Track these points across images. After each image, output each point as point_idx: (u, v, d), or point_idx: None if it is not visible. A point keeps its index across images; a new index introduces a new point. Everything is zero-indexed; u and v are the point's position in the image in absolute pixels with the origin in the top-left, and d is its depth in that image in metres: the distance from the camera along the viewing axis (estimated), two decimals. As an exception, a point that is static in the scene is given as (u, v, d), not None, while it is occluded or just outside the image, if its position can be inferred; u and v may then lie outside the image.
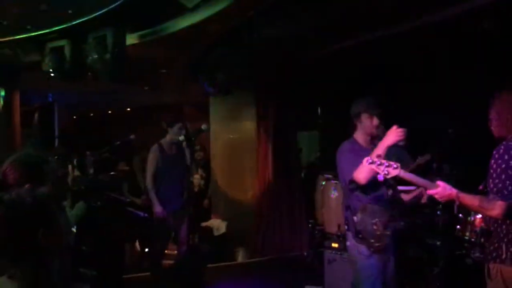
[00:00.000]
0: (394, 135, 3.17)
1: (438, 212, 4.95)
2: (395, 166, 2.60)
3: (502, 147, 2.46)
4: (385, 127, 5.18)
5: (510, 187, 2.38)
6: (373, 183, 3.20)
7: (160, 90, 8.35)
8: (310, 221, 6.51)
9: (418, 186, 3.44)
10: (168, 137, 5.12)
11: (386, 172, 2.60)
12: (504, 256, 2.41)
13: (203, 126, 4.16)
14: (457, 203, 2.47)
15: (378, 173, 2.66)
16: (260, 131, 6.96)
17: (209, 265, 5.93)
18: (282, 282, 5.29)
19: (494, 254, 2.47)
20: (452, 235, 4.77)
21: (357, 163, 3.10)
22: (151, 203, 7.20)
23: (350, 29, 5.20)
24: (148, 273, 5.30)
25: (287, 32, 5.09)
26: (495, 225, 2.50)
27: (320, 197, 5.97)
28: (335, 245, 4.94)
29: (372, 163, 2.65)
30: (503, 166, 2.41)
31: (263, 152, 7.01)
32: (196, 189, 7.11)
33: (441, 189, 2.51)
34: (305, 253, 6.79)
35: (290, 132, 7.33)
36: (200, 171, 7.35)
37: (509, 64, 4.90)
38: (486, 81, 5.19)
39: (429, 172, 5.19)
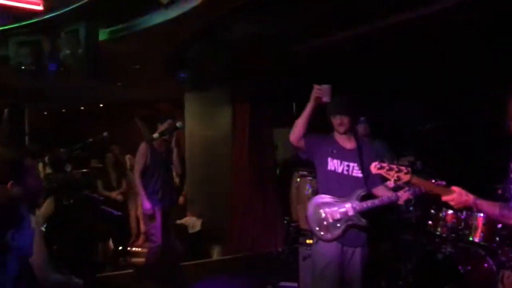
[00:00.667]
0: (313, 94, 3.32)
1: (411, 208, 5.04)
2: (405, 171, 2.40)
3: None
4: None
5: None
6: (333, 177, 3.40)
7: (134, 86, 8.25)
8: (285, 217, 6.55)
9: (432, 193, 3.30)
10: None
11: (397, 178, 2.40)
12: None
13: (178, 124, 4.13)
14: (474, 210, 2.37)
15: (388, 180, 2.48)
16: (235, 128, 6.95)
17: (184, 263, 5.93)
18: (257, 279, 5.29)
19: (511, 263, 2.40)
20: (424, 231, 4.87)
21: (319, 143, 3.43)
22: (127, 198, 7.20)
23: (326, 26, 5.23)
24: (121, 271, 5.25)
25: (263, 29, 5.09)
26: None
27: (295, 194, 6.00)
28: (309, 241, 4.94)
29: (381, 168, 2.44)
30: None
31: (239, 149, 7.01)
32: None
33: (457, 195, 2.35)
34: (280, 250, 6.83)
35: (265, 129, 7.34)
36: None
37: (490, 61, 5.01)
38: (466, 78, 5.31)
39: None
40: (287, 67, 6.53)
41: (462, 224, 4.35)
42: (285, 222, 6.66)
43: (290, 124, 7.83)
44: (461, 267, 4.03)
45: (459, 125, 5.34)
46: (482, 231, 4.26)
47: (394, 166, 2.43)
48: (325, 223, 3.36)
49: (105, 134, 5.19)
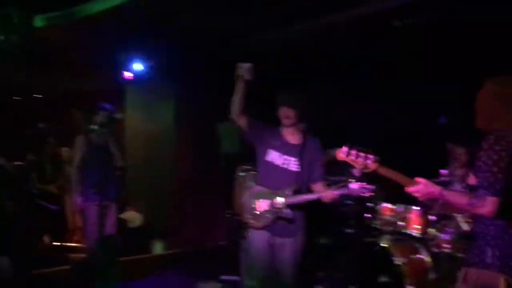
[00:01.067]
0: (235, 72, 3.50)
1: (350, 202, 5.18)
2: (373, 159, 2.36)
3: (493, 137, 2.25)
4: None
5: (503, 181, 2.17)
6: (270, 168, 3.48)
7: (73, 76, 7.92)
8: (229, 212, 6.54)
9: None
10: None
11: (363, 166, 2.37)
12: (489, 260, 2.21)
13: (118, 115, 3.98)
14: (440, 202, 2.32)
15: (354, 167, 2.47)
16: (178, 121, 6.86)
17: (123, 258, 5.79)
18: (199, 274, 5.26)
19: (477, 259, 2.27)
20: (362, 224, 5.03)
21: (263, 132, 3.53)
22: (64, 192, 6.92)
23: (273, 20, 5.24)
24: (57, 268, 5.05)
25: (208, 22, 5.04)
26: (482, 226, 2.29)
27: (239, 188, 6.01)
28: (252, 235, 4.99)
29: (348, 154, 2.40)
30: (495, 158, 2.20)
31: (182, 143, 6.93)
32: None
33: (423, 187, 2.33)
34: (223, 244, 6.83)
35: (209, 122, 7.29)
36: None
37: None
38: (408, 77, 5.50)
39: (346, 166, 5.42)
40: (232, 61, 6.50)
41: (398, 217, 4.53)
42: (228, 216, 6.66)
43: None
44: (396, 258, 4.20)
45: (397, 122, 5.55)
46: (416, 224, 4.46)
47: (363, 154, 2.39)
48: (256, 212, 3.47)
49: (40, 125, 4.94)
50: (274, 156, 3.52)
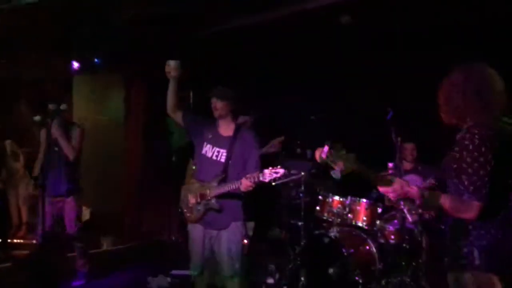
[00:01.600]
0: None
1: (301, 195, 5.24)
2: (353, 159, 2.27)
3: (477, 137, 2.09)
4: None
5: (487, 185, 2.05)
6: (204, 161, 3.59)
7: (18, 64, 7.58)
8: (180, 205, 6.47)
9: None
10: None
11: (344, 168, 2.25)
12: (478, 262, 2.10)
13: (62, 106, 3.82)
14: (417, 202, 2.14)
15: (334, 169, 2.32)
16: (128, 114, 6.73)
17: (72, 254, 5.62)
18: (149, 269, 5.18)
19: (464, 262, 2.15)
20: (312, 216, 5.10)
21: (199, 126, 3.64)
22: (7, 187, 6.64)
23: (221, 12, 5.22)
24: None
25: (157, 11, 4.95)
26: (459, 227, 2.19)
27: (190, 182, 5.95)
28: (203, 228, 4.96)
29: (329, 156, 2.27)
30: (481, 160, 2.06)
31: (132, 136, 6.80)
32: None
33: (398, 186, 2.21)
34: (174, 238, 6.76)
35: (160, 115, 7.17)
36: None
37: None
38: (353, 70, 5.61)
39: (292, 158, 5.48)
40: (184, 53, 6.42)
41: (347, 209, 4.62)
42: (179, 210, 6.58)
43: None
44: (344, 250, 4.28)
45: (347, 115, 5.66)
46: (364, 215, 4.57)
47: (343, 155, 2.25)
48: (190, 205, 3.59)
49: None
50: (207, 149, 3.60)
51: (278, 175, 3.19)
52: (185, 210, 3.67)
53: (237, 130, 3.62)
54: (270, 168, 3.20)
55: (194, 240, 3.63)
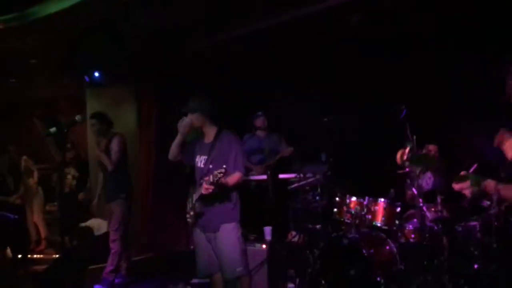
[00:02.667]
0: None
1: (317, 198, 5.22)
2: None
3: None
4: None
5: None
6: (197, 172, 3.79)
7: (30, 83, 7.70)
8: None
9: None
10: None
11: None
12: None
13: (77, 117, 3.85)
14: (495, 197, 2.12)
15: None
16: (142, 125, 6.76)
17: (92, 267, 5.64)
18: (169, 279, 5.19)
19: None
20: (330, 219, 5.07)
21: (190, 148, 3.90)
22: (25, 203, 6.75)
23: (230, 21, 5.26)
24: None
25: (167, 22, 5.00)
26: None
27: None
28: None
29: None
30: None
31: (146, 148, 6.82)
32: (67, 190, 6.79)
33: (488, 185, 2.19)
34: (192, 247, 6.74)
35: (172, 126, 7.21)
36: (72, 171, 7.02)
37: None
38: (360, 73, 5.60)
39: (306, 161, 5.48)
40: (194, 63, 6.48)
41: (365, 209, 4.58)
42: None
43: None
44: (364, 251, 4.24)
45: (358, 116, 5.64)
46: (383, 216, 4.52)
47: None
48: (189, 212, 3.79)
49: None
50: (197, 160, 3.83)
51: (221, 174, 3.35)
52: (187, 216, 3.84)
53: (217, 133, 3.76)
54: (215, 172, 3.37)
55: (197, 244, 3.84)
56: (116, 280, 5.29)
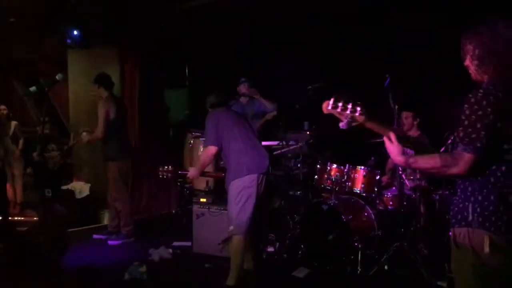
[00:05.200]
0: None
1: (299, 165, 5.27)
2: (360, 111, 2.20)
3: (481, 91, 2.04)
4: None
5: (484, 140, 1.99)
6: None
7: (11, 43, 7.49)
8: (179, 180, 6.50)
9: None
10: None
11: (351, 119, 2.20)
12: (470, 218, 2.06)
13: (58, 76, 3.76)
14: (408, 169, 2.10)
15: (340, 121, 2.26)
16: (124, 88, 6.67)
17: (72, 229, 5.66)
18: (151, 241, 5.23)
19: (459, 217, 2.11)
20: (311, 185, 5.14)
21: None
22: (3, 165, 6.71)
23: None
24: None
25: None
26: (461, 185, 2.15)
27: (188, 155, 5.97)
28: (203, 200, 5.00)
29: (334, 107, 2.22)
30: (479, 113, 2.00)
31: (129, 110, 6.75)
32: (52, 166, 7.02)
33: (394, 147, 2.24)
34: (174, 211, 6.81)
35: (156, 90, 7.15)
36: (52, 146, 7.18)
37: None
38: (349, 37, 5.57)
39: (290, 130, 5.50)
40: (179, 27, 6.37)
41: (345, 177, 4.65)
42: (179, 184, 6.63)
43: (182, 86, 7.81)
44: (343, 217, 4.33)
45: (343, 85, 5.64)
46: (362, 183, 4.60)
47: (349, 106, 2.19)
48: None
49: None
50: None
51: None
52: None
53: None
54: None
55: None
56: (110, 242, 5.48)
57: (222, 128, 3.93)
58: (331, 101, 2.22)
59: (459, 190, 2.16)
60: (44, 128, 6.20)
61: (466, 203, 2.09)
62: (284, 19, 5.75)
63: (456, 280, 2.17)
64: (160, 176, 4.28)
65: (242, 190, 3.81)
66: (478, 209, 2.04)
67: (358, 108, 2.19)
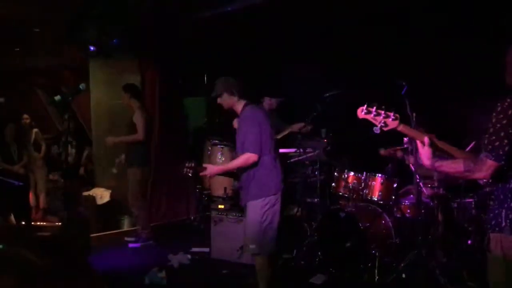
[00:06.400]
0: None
1: (316, 173, 5.30)
2: (393, 117, 2.30)
3: (508, 100, 2.09)
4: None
5: (507, 148, 2.06)
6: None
7: (34, 52, 7.69)
8: (198, 186, 6.58)
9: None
10: None
11: (384, 124, 2.30)
12: (503, 224, 2.10)
13: (81, 85, 3.87)
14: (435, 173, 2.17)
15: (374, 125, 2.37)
16: (144, 96, 6.78)
17: (94, 234, 5.77)
18: (170, 247, 5.30)
19: (493, 222, 2.15)
20: (328, 193, 5.16)
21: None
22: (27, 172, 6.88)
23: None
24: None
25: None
26: (496, 191, 2.22)
27: (207, 162, 6.03)
28: (221, 206, 5.07)
29: (367, 113, 2.33)
30: (504, 122, 2.07)
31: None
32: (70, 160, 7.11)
33: (425, 151, 2.31)
34: (193, 218, 6.88)
35: (175, 98, 7.25)
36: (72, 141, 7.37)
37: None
38: (362, 49, 5.60)
39: (307, 137, 5.53)
40: (198, 36, 6.46)
41: (362, 184, 4.67)
42: (197, 190, 6.70)
43: (201, 93, 7.88)
44: (361, 224, 4.34)
45: (359, 92, 5.65)
46: (380, 190, 4.61)
47: (382, 112, 2.30)
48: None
49: (1, 99, 4.79)
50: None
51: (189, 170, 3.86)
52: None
53: (242, 111, 3.71)
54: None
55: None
56: (130, 245, 5.68)
57: (262, 133, 3.55)
58: (364, 107, 2.32)
59: (494, 196, 2.23)
60: (68, 132, 6.34)
61: (500, 209, 2.14)
62: (300, 27, 5.80)
63: (490, 285, 2.21)
64: (184, 172, 3.91)
65: (268, 209, 3.55)
66: (510, 216, 2.09)
67: (391, 114, 2.29)
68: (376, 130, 2.32)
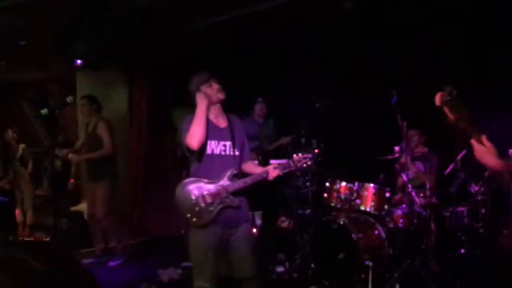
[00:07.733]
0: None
1: (307, 184, 5.25)
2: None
3: None
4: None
5: None
6: (217, 160, 3.14)
7: (20, 65, 7.61)
8: (181, 212, 6.48)
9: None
10: None
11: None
12: None
13: (69, 98, 3.78)
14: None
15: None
16: (132, 109, 6.73)
17: (83, 250, 5.66)
18: (159, 263, 5.20)
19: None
20: (320, 204, 5.12)
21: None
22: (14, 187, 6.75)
23: (227, 3, 5.22)
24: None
25: (160, 4, 4.95)
26: None
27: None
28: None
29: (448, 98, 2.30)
30: None
31: (137, 132, 6.80)
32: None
33: (488, 150, 2.23)
34: (183, 232, 6.78)
35: (165, 110, 7.19)
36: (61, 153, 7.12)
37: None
38: (356, 55, 5.61)
39: (298, 148, 5.49)
40: (188, 46, 6.43)
41: (354, 194, 4.63)
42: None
43: (190, 105, 7.80)
44: (353, 235, 4.29)
45: (350, 102, 5.66)
46: (372, 201, 4.57)
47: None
48: (196, 208, 3.04)
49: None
50: (212, 146, 3.15)
51: (308, 160, 3.11)
52: (188, 215, 3.07)
53: (228, 118, 3.31)
54: (300, 154, 3.11)
55: (208, 245, 3.07)
56: (110, 263, 5.43)
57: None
58: (444, 93, 2.31)
59: None
60: (54, 145, 6.21)
61: None
62: (293, 39, 5.80)
63: None
64: None
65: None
66: None
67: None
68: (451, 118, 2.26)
